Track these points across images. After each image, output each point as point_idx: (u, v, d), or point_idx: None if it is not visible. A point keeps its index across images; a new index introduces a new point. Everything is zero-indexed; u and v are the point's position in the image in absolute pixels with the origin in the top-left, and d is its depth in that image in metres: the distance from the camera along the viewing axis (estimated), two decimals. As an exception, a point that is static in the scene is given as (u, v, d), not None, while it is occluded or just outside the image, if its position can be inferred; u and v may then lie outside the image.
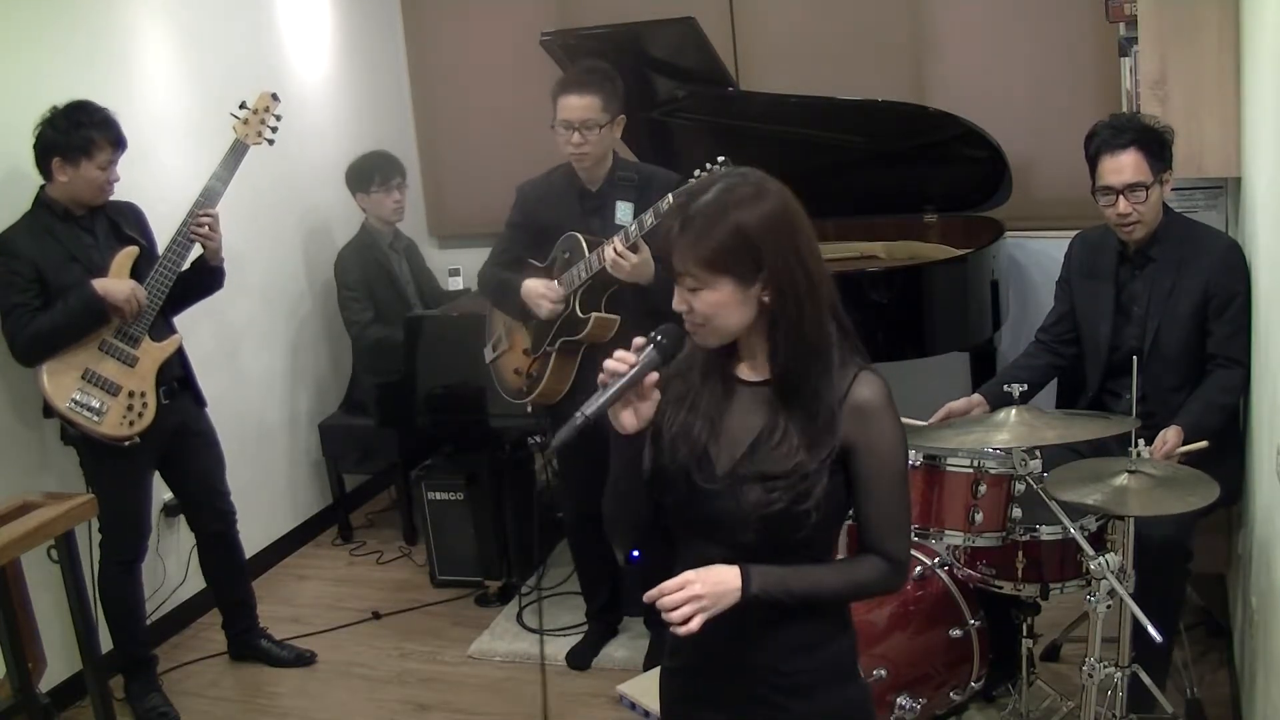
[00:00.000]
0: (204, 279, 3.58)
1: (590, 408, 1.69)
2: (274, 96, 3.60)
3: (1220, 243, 3.04)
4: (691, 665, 1.85)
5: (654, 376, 1.71)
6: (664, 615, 1.65)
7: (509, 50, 5.23)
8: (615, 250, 3.06)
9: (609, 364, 1.70)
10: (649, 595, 1.68)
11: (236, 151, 3.50)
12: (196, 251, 3.50)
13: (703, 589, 1.65)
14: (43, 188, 3.35)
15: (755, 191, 1.67)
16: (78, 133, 3.24)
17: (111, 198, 3.42)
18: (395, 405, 4.38)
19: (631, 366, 1.69)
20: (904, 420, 2.48)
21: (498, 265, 3.49)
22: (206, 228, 3.43)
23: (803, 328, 1.67)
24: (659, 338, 1.71)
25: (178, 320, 3.63)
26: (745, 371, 1.77)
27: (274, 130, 3.59)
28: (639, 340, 1.73)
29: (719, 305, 1.67)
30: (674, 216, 1.69)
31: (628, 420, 1.73)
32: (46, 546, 2.94)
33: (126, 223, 3.48)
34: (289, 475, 4.81)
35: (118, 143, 3.33)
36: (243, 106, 3.56)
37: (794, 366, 1.68)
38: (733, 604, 1.66)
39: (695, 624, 1.64)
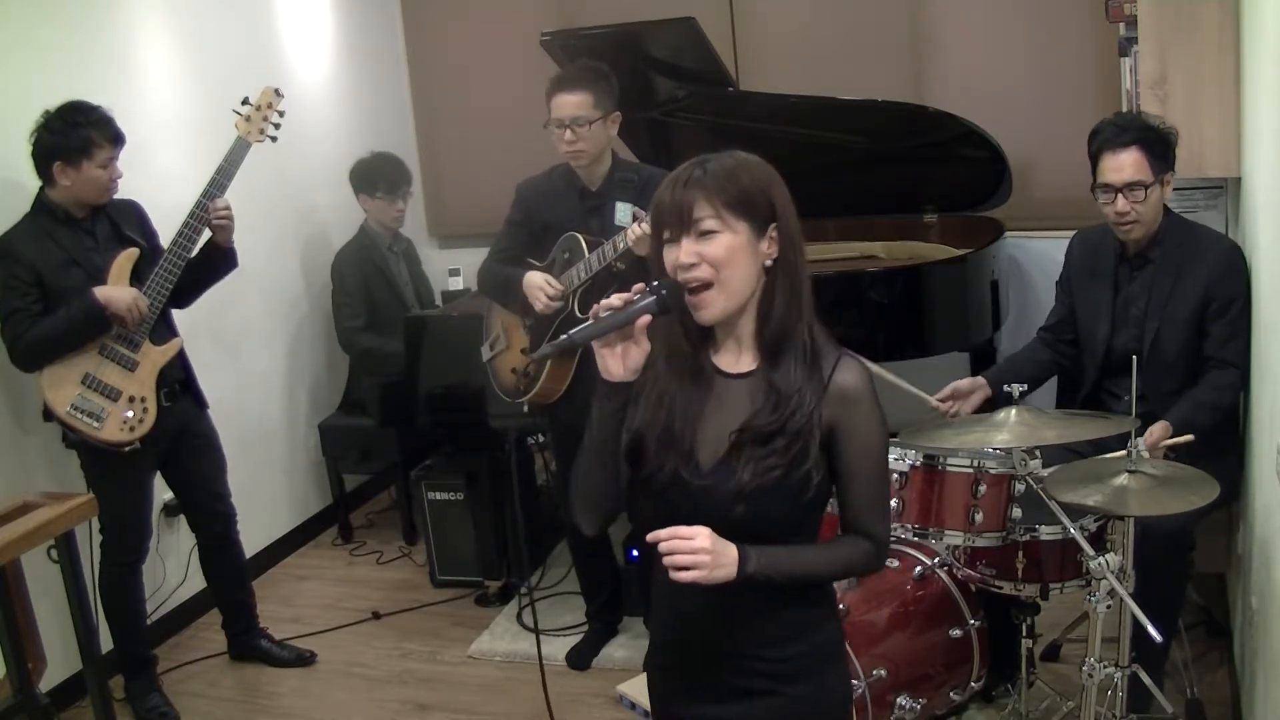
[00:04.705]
0: (217, 262, 3.56)
1: (578, 333, 1.69)
2: (277, 92, 3.57)
3: (1220, 245, 3.03)
4: (680, 660, 1.86)
5: (646, 319, 1.70)
6: (665, 558, 1.66)
7: (509, 50, 5.23)
8: (643, 227, 3.01)
9: (604, 301, 1.71)
10: (657, 534, 1.67)
11: (239, 149, 3.48)
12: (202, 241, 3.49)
13: (711, 546, 1.66)
14: (42, 190, 3.33)
15: (757, 158, 1.76)
16: (76, 133, 3.22)
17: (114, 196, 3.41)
18: (395, 405, 4.38)
19: (628, 304, 1.70)
20: (912, 389, 2.52)
21: (497, 261, 3.49)
22: (224, 215, 3.43)
23: (801, 276, 1.73)
24: (661, 288, 1.71)
25: (178, 322, 3.63)
26: (727, 363, 1.78)
27: (277, 127, 3.57)
28: (639, 286, 1.72)
29: (734, 251, 1.69)
30: (692, 168, 1.72)
31: (613, 365, 1.71)
32: (46, 546, 2.94)
33: (127, 222, 3.47)
34: (289, 475, 4.81)
35: (116, 139, 3.31)
36: (245, 103, 3.54)
37: (792, 314, 1.72)
38: (725, 579, 1.67)
39: (685, 576, 1.65)
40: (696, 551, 1.65)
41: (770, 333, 1.73)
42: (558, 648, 3.81)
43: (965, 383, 3.14)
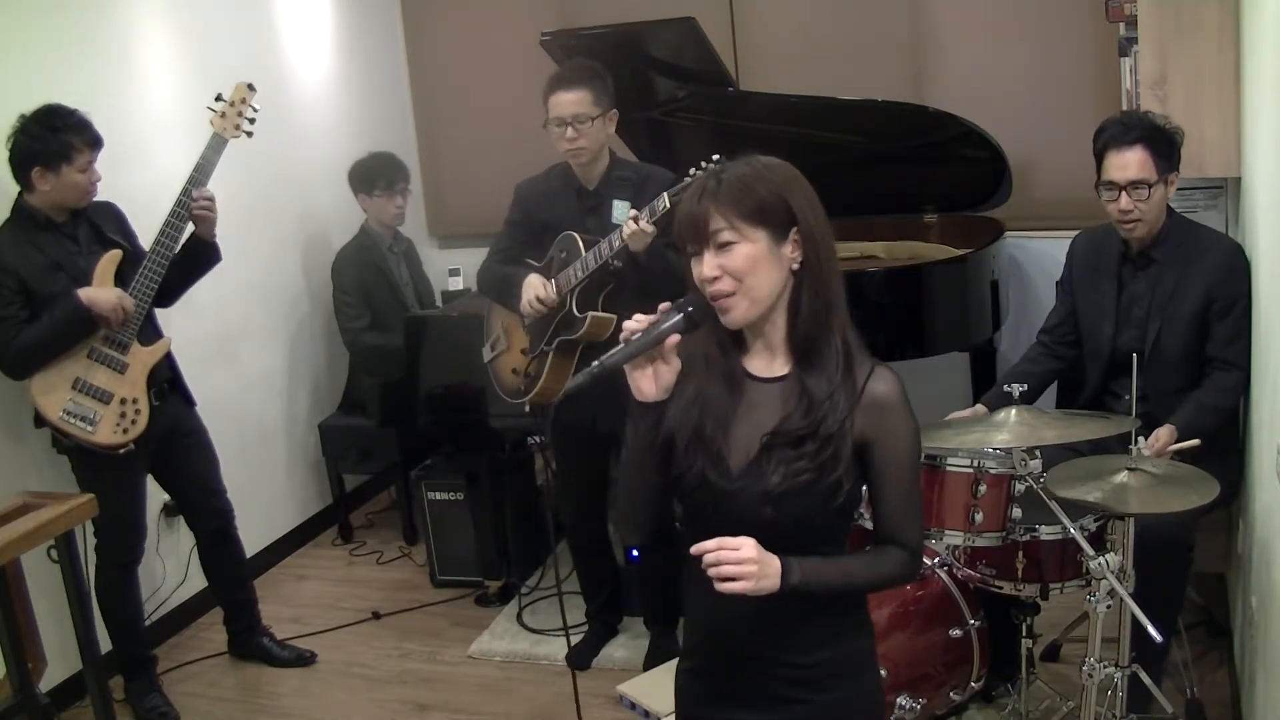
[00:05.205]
0: (201, 257, 3.54)
1: (609, 359, 1.70)
2: (250, 87, 3.53)
3: (1223, 245, 3.03)
4: (711, 665, 1.85)
5: (675, 339, 1.71)
6: (710, 569, 1.66)
7: (509, 50, 5.23)
8: (640, 223, 3.03)
9: (629, 324, 1.72)
10: (703, 545, 1.67)
11: (215, 145, 3.46)
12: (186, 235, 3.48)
13: (757, 556, 1.66)
14: (20, 195, 3.31)
15: (777, 162, 1.76)
16: (56, 138, 3.20)
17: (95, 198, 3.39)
18: (395, 405, 4.38)
19: (654, 325, 1.71)
20: None
21: (497, 261, 3.49)
22: (205, 206, 3.41)
23: (828, 281, 1.72)
24: (687, 305, 1.72)
25: (175, 316, 3.62)
26: (759, 367, 1.78)
27: (252, 122, 3.53)
28: (665, 305, 1.73)
29: (755, 260, 1.68)
30: (709, 179, 1.72)
31: (645, 385, 1.73)
32: (46, 546, 2.94)
33: (107, 224, 3.45)
34: (289, 475, 4.82)
35: (95, 143, 3.29)
36: (219, 99, 3.51)
37: (820, 318, 1.72)
38: (770, 590, 1.67)
39: (731, 588, 1.65)
40: (743, 562, 1.65)
41: (799, 336, 1.73)
42: (557, 647, 3.81)
43: (966, 413, 3.13)
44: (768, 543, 1.68)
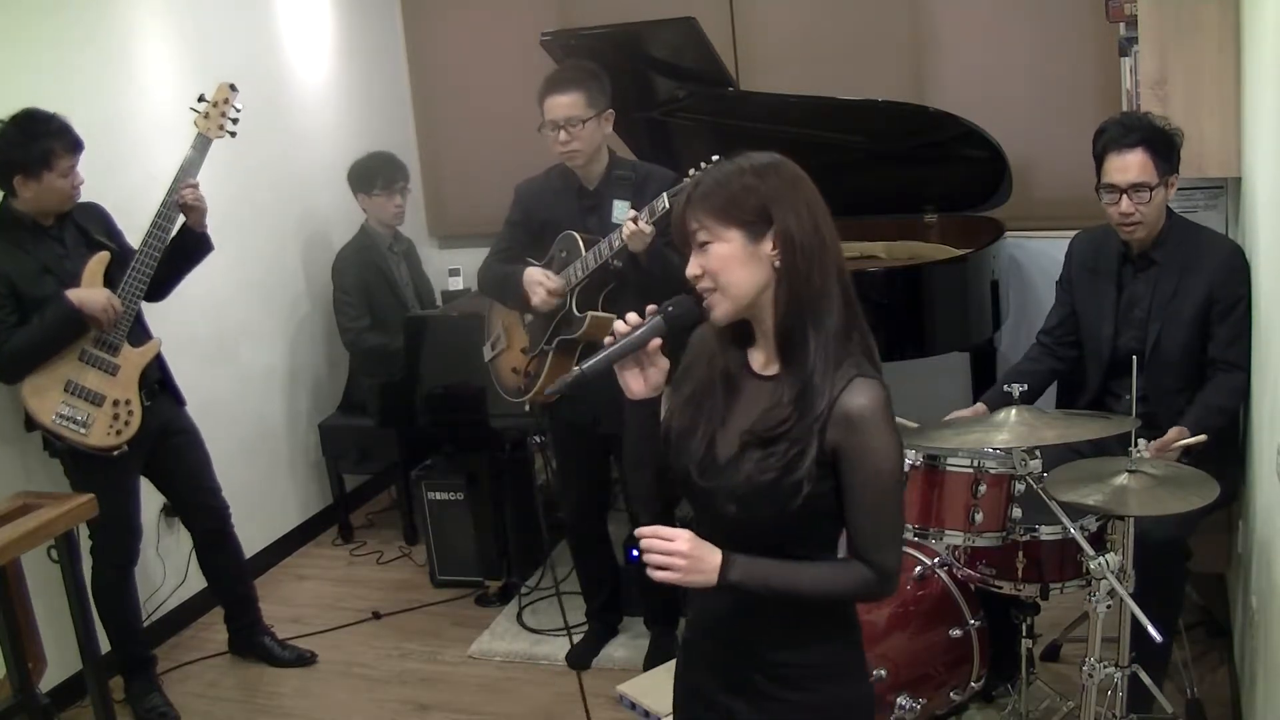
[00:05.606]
0: (191, 248, 3.52)
1: (589, 363, 1.74)
2: (232, 87, 3.50)
3: (1224, 247, 3.03)
4: (706, 641, 1.88)
5: (657, 342, 1.76)
6: (645, 555, 1.70)
7: (509, 50, 5.23)
8: (639, 223, 3.05)
9: (618, 325, 1.76)
10: (642, 530, 1.71)
11: (200, 146, 3.44)
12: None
13: (688, 550, 1.68)
14: (5, 200, 3.30)
15: (769, 159, 1.75)
16: (37, 145, 3.18)
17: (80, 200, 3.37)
18: (395, 405, 4.38)
19: (635, 329, 1.75)
20: (900, 421, 2.48)
21: (498, 261, 3.49)
22: (192, 194, 3.39)
23: (810, 282, 1.70)
24: (669, 306, 1.76)
25: (174, 315, 3.61)
26: (760, 364, 1.79)
27: (235, 122, 3.51)
28: (651, 307, 1.78)
29: (728, 259, 1.70)
30: (695, 181, 1.76)
31: (634, 384, 1.78)
32: (46, 546, 2.94)
33: (94, 226, 3.44)
34: (289, 475, 4.82)
35: (75, 147, 3.27)
36: (201, 100, 3.50)
37: (795, 319, 1.71)
38: (704, 584, 1.69)
39: (660, 576, 1.69)
40: (672, 554, 1.67)
41: (777, 335, 1.73)
42: (557, 647, 3.81)
43: (966, 412, 3.12)
44: (730, 537, 1.70)
